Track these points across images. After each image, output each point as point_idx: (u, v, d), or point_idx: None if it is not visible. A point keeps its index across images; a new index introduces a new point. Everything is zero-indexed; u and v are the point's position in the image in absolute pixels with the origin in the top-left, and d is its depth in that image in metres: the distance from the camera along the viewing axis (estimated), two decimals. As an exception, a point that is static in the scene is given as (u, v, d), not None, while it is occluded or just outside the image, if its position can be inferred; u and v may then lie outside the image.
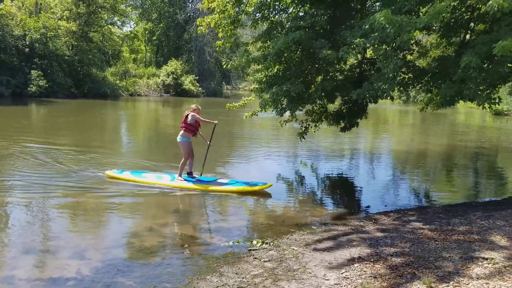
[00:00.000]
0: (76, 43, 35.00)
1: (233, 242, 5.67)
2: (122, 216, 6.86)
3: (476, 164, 13.28)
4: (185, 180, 8.48)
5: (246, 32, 36.94)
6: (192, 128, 8.44)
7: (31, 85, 29.08)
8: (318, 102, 9.64)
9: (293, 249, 5.25)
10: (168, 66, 43.22)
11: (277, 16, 9.04)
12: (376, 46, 6.84)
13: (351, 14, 8.76)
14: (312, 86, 8.83)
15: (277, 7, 8.75)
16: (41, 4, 37.64)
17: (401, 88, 8.29)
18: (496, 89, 7.76)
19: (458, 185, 10.35)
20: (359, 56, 8.79)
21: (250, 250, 5.34)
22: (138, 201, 7.76)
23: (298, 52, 8.55)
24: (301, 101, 8.61)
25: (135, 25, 53.58)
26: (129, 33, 50.17)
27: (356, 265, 4.57)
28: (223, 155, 12.17)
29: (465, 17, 8.13)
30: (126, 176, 8.71)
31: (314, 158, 12.92)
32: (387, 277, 4.18)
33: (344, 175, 10.79)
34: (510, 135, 21.40)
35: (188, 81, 43.11)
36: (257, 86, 9.18)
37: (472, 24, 8.31)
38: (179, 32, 49.53)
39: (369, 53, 9.19)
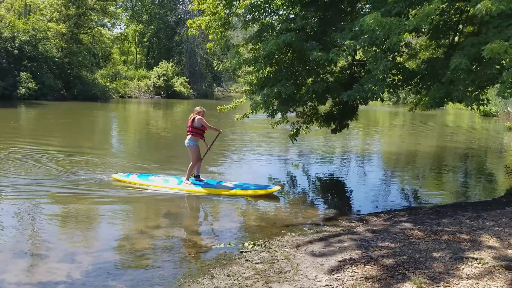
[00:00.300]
0: (65, 45, 34.63)
1: (224, 244, 5.67)
2: (113, 219, 6.81)
3: (465, 165, 13.42)
4: (192, 183, 8.46)
5: (237, 34, 36.92)
6: (199, 131, 8.42)
7: (20, 87, 28.74)
8: (309, 103, 9.66)
9: (285, 250, 5.25)
10: (159, 68, 42.97)
11: (267, 18, 9.06)
12: (366, 48, 6.91)
13: (341, 16, 8.82)
14: (303, 87, 8.86)
15: (267, 9, 8.76)
16: (30, 6, 37.28)
17: (391, 90, 8.38)
18: (485, 90, 7.86)
19: (447, 186, 10.44)
20: (349, 58, 8.84)
21: (241, 252, 5.33)
22: (130, 203, 7.71)
23: (289, 54, 8.58)
24: (292, 102, 8.62)
25: (125, 27, 53.25)
26: (119, 35, 49.79)
27: (347, 266, 4.59)
28: (214, 157, 12.14)
29: (454, 19, 8.23)
30: (132, 180, 8.64)
31: (306, 160, 12.97)
32: (378, 277, 4.21)
33: (335, 177, 10.84)
34: (499, 136, 21.64)
35: (179, 83, 42.93)
36: (248, 88, 9.20)
37: (460, 26, 8.42)
38: (169, 34, 49.32)
39: (359, 55, 9.25)
